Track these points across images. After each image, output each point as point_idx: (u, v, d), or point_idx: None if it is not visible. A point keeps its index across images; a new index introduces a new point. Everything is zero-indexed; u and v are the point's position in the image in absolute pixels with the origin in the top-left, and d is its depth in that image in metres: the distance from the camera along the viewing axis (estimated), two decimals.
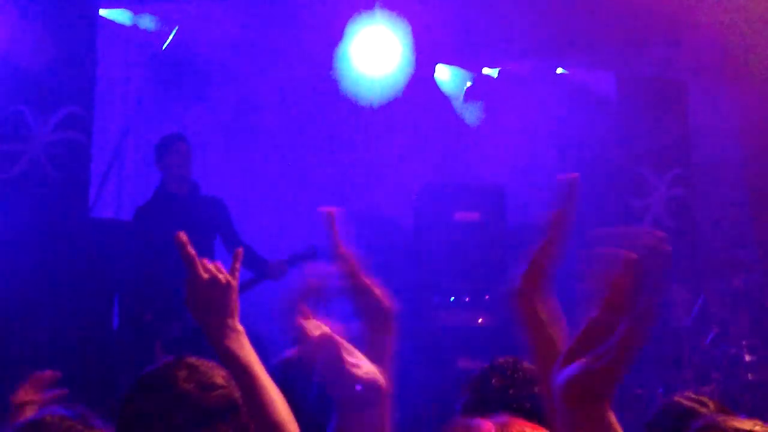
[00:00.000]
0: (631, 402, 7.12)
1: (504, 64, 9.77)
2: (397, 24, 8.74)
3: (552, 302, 2.25)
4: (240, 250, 2.63)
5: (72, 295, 6.62)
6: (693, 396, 3.26)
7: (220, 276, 2.46)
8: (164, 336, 6.55)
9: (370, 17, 8.72)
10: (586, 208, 9.07)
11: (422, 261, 8.06)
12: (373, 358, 2.64)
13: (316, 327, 1.97)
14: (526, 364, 2.72)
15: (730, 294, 8.40)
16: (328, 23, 8.49)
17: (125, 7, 8.39)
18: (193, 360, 2.40)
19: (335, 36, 8.80)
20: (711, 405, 3.16)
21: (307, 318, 2.17)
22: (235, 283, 2.48)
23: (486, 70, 9.85)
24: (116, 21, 8.35)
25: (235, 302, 2.46)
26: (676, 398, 3.26)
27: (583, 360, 1.76)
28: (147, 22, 8.62)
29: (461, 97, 9.77)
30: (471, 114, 9.71)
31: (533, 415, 2.39)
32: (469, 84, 9.82)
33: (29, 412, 3.12)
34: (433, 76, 9.74)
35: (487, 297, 7.90)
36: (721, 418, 2.47)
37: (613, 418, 1.89)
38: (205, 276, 2.44)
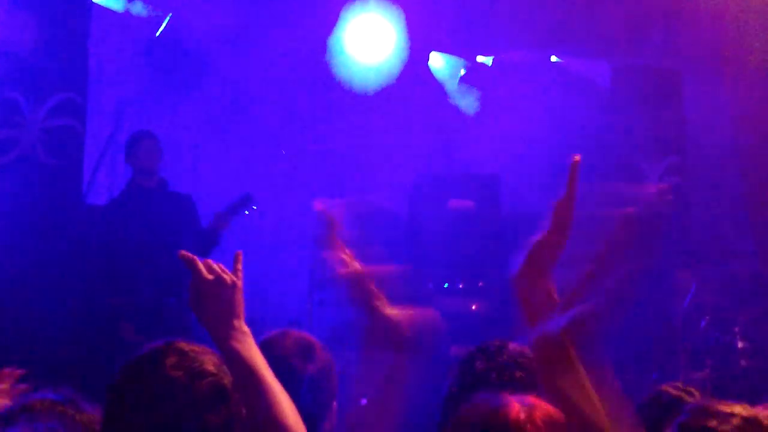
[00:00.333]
0: (624, 388, 7.13)
1: (498, 53, 9.75)
2: (390, 11, 8.74)
3: (553, 289, 2.25)
4: (240, 252, 2.59)
5: (67, 281, 6.62)
6: (680, 386, 3.32)
7: (225, 277, 2.44)
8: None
9: (364, 5, 8.71)
10: (579, 197, 9.08)
11: (417, 248, 8.06)
12: (387, 378, 2.54)
13: (350, 261, 2.29)
14: (513, 347, 2.72)
15: (724, 281, 8.41)
16: (322, 11, 8.47)
17: None
18: (182, 345, 2.37)
19: (329, 24, 8.79)
20: (697, 394, 3.20)
21: (340, 251, 2.31)
22: (240, 283, 2.45)
23: (480, 58, 9.84)
24: (109, 7, 8.32)
25: (241, 303, 2.43)
26: (664, 387, 3.31)
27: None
28: (139, 8, 8.59)
29: (455, 86, 9.76)
30: (465, 102, 9.70)
31: None
32: (463, 72, 9.80)
33: None
34: (427, 63, 9.72)
35: (480, 284, 7.91)
36: (707, 402, 2.50)
37: (586, 380, 1.93)
38: (210, 277, 2.42)
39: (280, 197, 9.00)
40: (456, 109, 9.71)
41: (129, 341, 6.47)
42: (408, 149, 9.29)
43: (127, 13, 8.50)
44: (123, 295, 6.80)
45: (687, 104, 9.24)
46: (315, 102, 9.24)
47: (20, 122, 6.93)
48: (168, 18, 8.59)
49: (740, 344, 7.58)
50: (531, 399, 2.06)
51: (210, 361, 2.33)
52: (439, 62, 9.83)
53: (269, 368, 2.33)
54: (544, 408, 2.03)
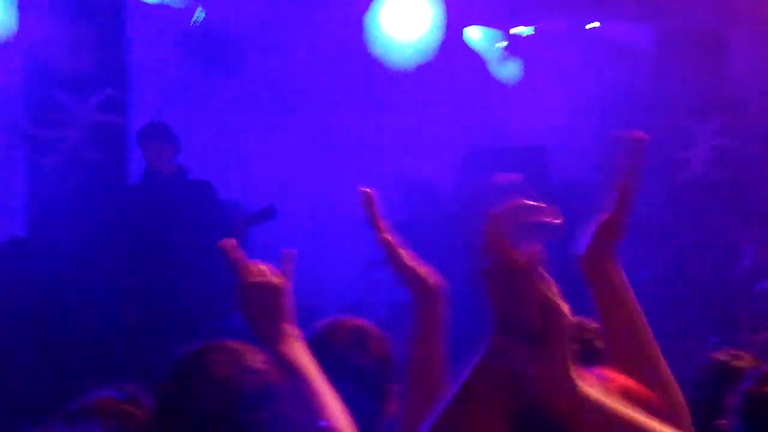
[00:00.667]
0: (684, 353, 7.04)
1: (537, 22, 9.64)
2: None
3: (619, 265, 2.22)
4: (291, 251, 2.50)
5: (113, 273, 6.70)
6: (731, 351, 3.38)
7: (274, 279, 2.39)
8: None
9: None
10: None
11: (465, 225, 8.00)
12: (424, 333, 2.66)
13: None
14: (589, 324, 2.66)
15: None
16: None
17: None
18: (231, 343, 2.32)
19: (364, 3, 8.73)
20: (748, 359, 3.22)
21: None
22: (289, 285, 2.39)
23: (519, 29, 9.72)
24: (145, 1, 8.34)
25: (291, 305, 2.37)
26: (713, 355, 3.38)
27: None
28: None
29: (495, 58, 9.66)
30: (507, 75, 9.60)
31: None
32: (502, 44, 9.70)
33: None
34: (464, 37, 9.63)
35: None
36: None
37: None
38: (257, 279, 2.38)
39: (328, 179, 8.97)
40: (497, 82, 9.62)
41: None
42: (452, 125, 9.23)
43: (162, 5, 8.51)
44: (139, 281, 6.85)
45: (733, 64, 9.09)
46: (356, 83, 9.19)
47: (66, 120, 7.00)
48: (200, 7, 8.59)
49: None
50: (606, 371, 2.01)
51: (259, 360, 2.28)
52: (477, 35, 9.73)
53: (318, 369, 2.28)
54: (620, 380, 1.97)
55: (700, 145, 8.98)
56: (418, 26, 8.89)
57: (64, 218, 6.70)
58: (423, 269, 2.74)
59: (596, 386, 1.72)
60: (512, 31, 9.71)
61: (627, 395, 1.86)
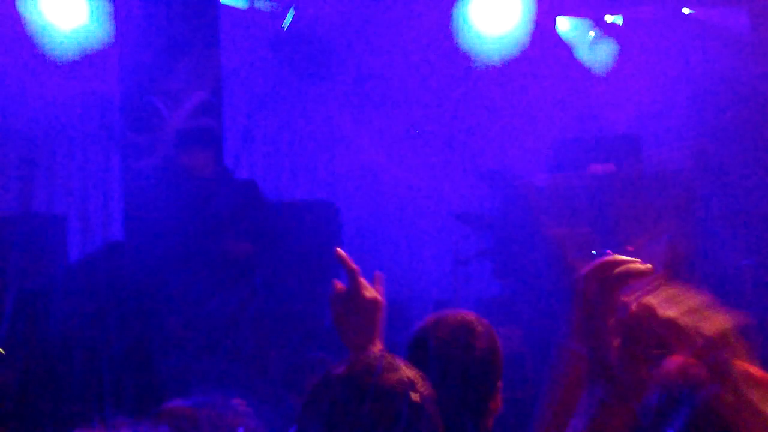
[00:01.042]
0: None
1: (627, 10, 9.49)
2: None
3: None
4: (380, 273, 2.53)
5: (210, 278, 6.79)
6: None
7: (379, 297, 2.42)
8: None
9: None
10: (727, 151, 8.81)
11: (560, 215, 7.93)
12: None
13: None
14: None
15: None
16: None
17: None
18: (388, 356, 2.29)
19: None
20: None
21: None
22: (384, 302, 2.42)
23: (609, 18, 9.59)
24: (235, 5, 8.46)
25: (382, 322, 2.42)
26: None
27: None
28: (263, 3, 8.70)
29: (587, 48, 9.54)
30: (599, 64, 9.48)
31: None
32: (593, 33, 9.58)
33: None
34: (555, 29, 9.54)
35: (630, 248, 7.72)
36: None
37: None
38: (368, 295, 2.40)
39: (418, 175, 8.98)
40: (589, 72, 9.50)
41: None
42: (544, 116, 9.15)
43: (251, 9, 8.62)
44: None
45: None
46: (447, 78, 9.18)
47: (160, 125, 7.12)
48: (292, 11, 8.67)
49: None
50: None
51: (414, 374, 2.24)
52: (566, 26, 9.63)
53: None
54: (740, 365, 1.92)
55: None
56: (508, 19, 8.83)
57: (160, 222, 6.81)
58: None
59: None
60: (603, 19, 9.58)
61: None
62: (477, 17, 8.81)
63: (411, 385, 2.06)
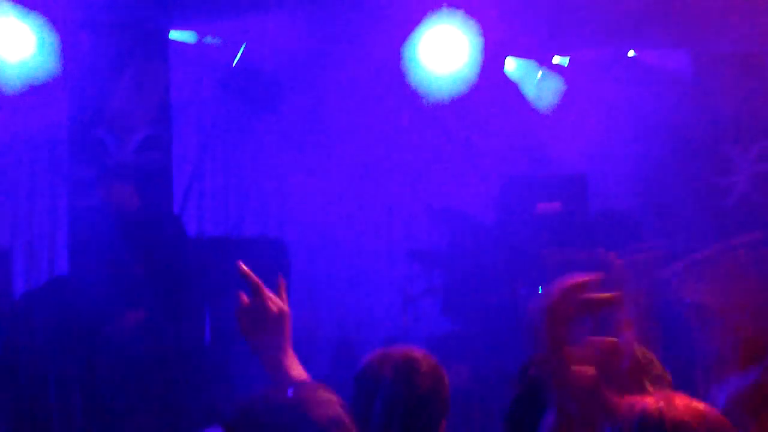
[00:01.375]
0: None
1: (574, 52, 9.64)
2: (463, 21, 8.69)
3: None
4: (282, 280, 2.57)
5: (165, 311, 6.71)
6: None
7: (285, 307, 2.45)
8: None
9: (437, 17, 8.67)
10: (670, 191, 8.96)
11: (507, 253, 8.00)
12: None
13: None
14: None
15: None
16: (395, 25, 8.47)
17: (193, 29, 8.46)
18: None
19: (402, 38, 8.78)
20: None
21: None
22: (289, 311, 2.46)
23: (556, 59, 9.74)
24: (184, 41, 8.44)
25: (290, 331, 2.45)
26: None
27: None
28: (212, 38, 8.70)
29: (533, 88, 9.68)
30: (545, 104, 9.61)
31: None
32: (540, 74, 9.72)
33: None
34: (502, 69, 9.65)
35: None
36: None
37: None
38: (275, 309, 2.43)
39: (366, 212, 9.01)
40: (536, 112, 9.62)
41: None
42: (491, 155, 9.24)
43: (200, 44, 8.61)
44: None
45: None
46: (394, 116, 9.23)
47: (107, 160, 7.07)
48: (243, 47, 8.68)
49: None
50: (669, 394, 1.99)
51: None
52: (514, 66, 9.76)
53: None
54: (683, 399, 1.96)
55: (741, 171, 8.91)
56: (456, 58, 8.91)
57: (105, 258, 6.74)
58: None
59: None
60: (550, 60, 9.72)
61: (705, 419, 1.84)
62: (426, 55, 8.89)
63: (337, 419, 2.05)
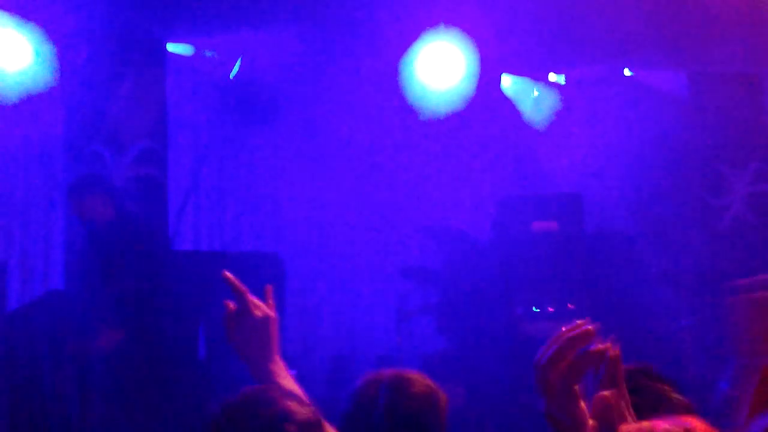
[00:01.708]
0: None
1: (570, 70, 9.66)
2: (460, 37, 8.71)
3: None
4: (270, 286, 2.59)
5: (159, 327, 6.68)
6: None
7: (270, 312, 2.46)
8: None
9: (434, 34, 8.69)
10: (665, 211, 8.98)
11: (502, 273, 8.00)
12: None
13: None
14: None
15: None
16: (392, 41, 8.48)
17: (190, 43, 8.46)
18: (271, 388, 2.31)
19: (399, 53, 8.79)
20: None
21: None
22: (276, 316, 2.47)
23: (552, 77, 9.76)
24: (181, 54, 8.44)
25: (278, 336, 2.46)
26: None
27: None
28: (210, 51, 8.70)
29: (530, 106, 9.69)
30: (541, 122, 9.62)
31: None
32: (536, 92, 9.74)
33: None
34: (499, 86, 9.67)
35: (570, 306, 7.81)
36: None
37: None
38: (258, 314, 2.44)
39: (362, 228, 9.00)
40: (532, 130, 9.64)
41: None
42: (487, 173, 9.24)
43: (198, 57, 8.61)
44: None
45: None
46: (391, 131, 9.24)
47: (103, 173, 7.05)
48: (239, 61, 8.68)
49: None
50: (686, 419, 1.97)
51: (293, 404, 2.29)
52: (510, 84, 9.78)
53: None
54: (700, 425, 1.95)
55: (736, 192, 8.93)
56: (453, 74, 8.93)
57: (102, 269, 6.72)
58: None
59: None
60: (545, 78, 9.74)
61: None
62: (423, 71, 8.90)
63: (285, 415, 2.06)
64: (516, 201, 8.36)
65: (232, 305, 2.50)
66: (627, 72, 9.51)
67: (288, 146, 9.18)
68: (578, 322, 1.60)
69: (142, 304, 6.56)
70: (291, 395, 2.15)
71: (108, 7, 7.09)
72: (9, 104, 7.27)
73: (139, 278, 6.55)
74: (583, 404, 1.57)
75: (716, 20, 7.97)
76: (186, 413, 6.20)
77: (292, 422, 2.05)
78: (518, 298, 7.87)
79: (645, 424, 1.70)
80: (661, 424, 1.81)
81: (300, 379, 2.53)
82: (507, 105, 9.68)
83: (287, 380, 2.42)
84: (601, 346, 1.58)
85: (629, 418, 1.62)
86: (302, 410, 2.08)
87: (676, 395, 2.35)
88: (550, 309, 7.82)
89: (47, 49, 7.24)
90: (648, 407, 2.20)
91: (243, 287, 2.47)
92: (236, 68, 8.72)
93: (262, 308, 2.48)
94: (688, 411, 2.21)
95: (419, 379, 2.78)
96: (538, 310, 7.81)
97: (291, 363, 2.58)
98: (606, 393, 1.63)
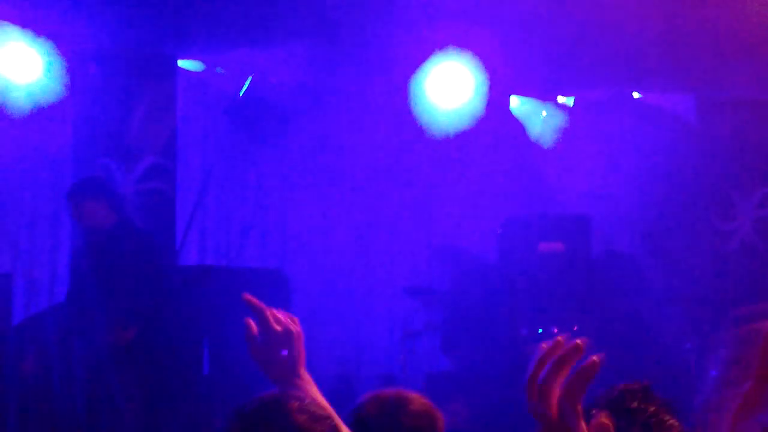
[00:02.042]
0: None
1: (579, 92, 9.67)
2: (469, 58, 8.73)
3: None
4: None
5: (163, 342, 6.67)
6: None
7: (292, 327, 2.44)
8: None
9: (443, 53, 8.72)
10: (673, 235, 8.96)
11: (508, 294, 7.98)
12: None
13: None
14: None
15: None
16: (402, 60, 8.51)
17: (201, 59, 8.49)
18: (295, 393, 2.32)
19: (409, 73, 8.82)
20: None
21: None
22: (300, 331, 2.46)
23: (561, 99, 9.77)
24: (192, 70, 8.47)
25: (303, 351, 2.45)
26: None
27: None
28: (220, 67, 8.74)
29: (538, 128, 9.70)
30: (549, 144, 9.63)
31: None
32: (544, 113, 9.74)
33: None
34: (507, 107, 9.68)
35: (575, 328, 7.79)
36: None
37: None
38: (278, 328, 2.43)
39: (367, 246, 9.00)
40: (540, 151, 9.64)
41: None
42: (494, 193, 9.24)
43: (208, 73, 8.64)
44: None
45: None
46: (398, 150, 9.25)
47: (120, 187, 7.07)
48: (250, 78, 8.71)
49: None
50: None
51: (322, 407, 2.24)
52: (519, 105, 9.79)
53: (337, 418, 2.28)
54: None
55: (744, 216, 8.91)
56: (462, 94, 8.95)
57: (109, 284, 6.71)
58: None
59: None
60: (554, 99, 9.76)
61: None
62: (432, 91, 8.92)
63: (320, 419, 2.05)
64: (523, 221, 8.36)
65: (253, 325, 2.49)
66: (635, 95, 9.52)
67: (296, 164, 9.19)
68: (558, 338, 1.59)
69: (146, 317, 6.56)
70: (307, 410, 2.11)
71: (120, 22, 7.12)
72: (18, 117, 7.30)
73: (140, 287, 6.54)
74: (584, 424, 1.55)
75: (725, 46, 7.97)
76: (190, 428, 6.19)
77: None
78: (523, 319, 7.85)
79: None
80: None
81: None
82: (515, 126, 9.69)
83: (315, 394, 2.41)
84: (594, 358, 1.56)
85: None
86: (316, 427, 2.07)
87: (669, 418, 2.31)
88: (555, 330, 7.80)
89: (58, 63, 7.28)
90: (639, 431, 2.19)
91: (261, 304, 2.47)
92: (246, 86, 8.75)
93: (282, 323, 2.47)
94: None
95: (418, 398, 2.81)
96: (542, 331, 7.79)
97: None
98: (605, 419, 1.62)
